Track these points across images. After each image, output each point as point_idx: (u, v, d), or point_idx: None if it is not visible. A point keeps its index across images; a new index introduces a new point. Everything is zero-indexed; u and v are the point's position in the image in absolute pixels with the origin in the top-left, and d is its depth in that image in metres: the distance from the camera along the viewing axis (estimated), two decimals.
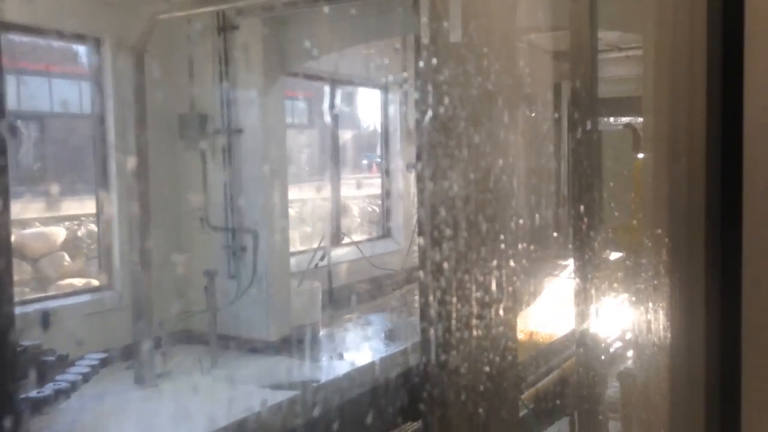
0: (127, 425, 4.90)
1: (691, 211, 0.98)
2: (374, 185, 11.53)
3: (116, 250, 7.00)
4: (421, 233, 3.19)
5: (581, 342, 4.44)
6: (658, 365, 1.11)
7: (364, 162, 14.13)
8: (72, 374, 5.58)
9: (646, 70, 1.09)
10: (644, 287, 1.08)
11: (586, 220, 4.21)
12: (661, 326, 1.02)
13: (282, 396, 5.48)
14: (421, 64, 2.87)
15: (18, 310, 6.21)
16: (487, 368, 2.74)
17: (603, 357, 4.98)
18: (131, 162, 6.42)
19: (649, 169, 1.02)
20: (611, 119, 11.32)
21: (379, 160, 11.40)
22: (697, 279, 0.97)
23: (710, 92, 0.96)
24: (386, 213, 11.05)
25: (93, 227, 7.78)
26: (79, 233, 8.63)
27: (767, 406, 0.92)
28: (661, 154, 1.02)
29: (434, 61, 2.82)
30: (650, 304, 1.06)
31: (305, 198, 10.53)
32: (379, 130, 11.26)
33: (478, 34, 2.88)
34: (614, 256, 6.05)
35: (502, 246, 3.07)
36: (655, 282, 0.99)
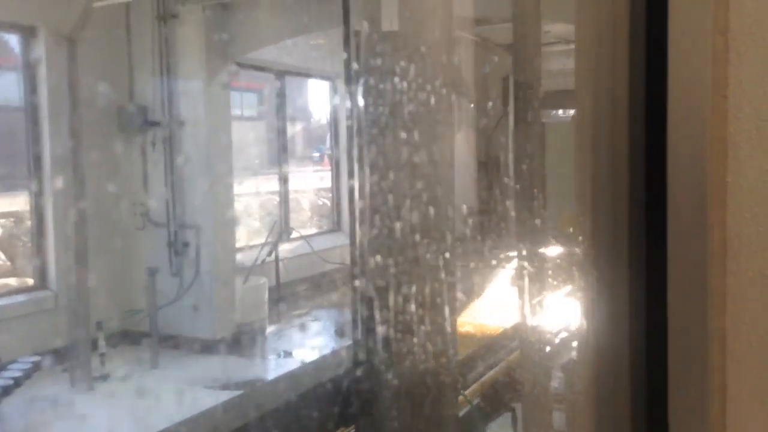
0: (60, 430, 4.70)
1: (615, 203, 0.92)
2: (325, 178, 11.40)
3: (51, 248, 6.73)
4: (357, 228, 3.08)
5: (525, 334, 4.42)
6: (587, 358, 1.07)
7: (315, 154, 13.97)
8: (3, 378, 5.35)
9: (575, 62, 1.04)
10: (579, 280, 1.02)
11: (529, 212, 4.18)
12: (590, 321, 0.98)
13: (226, 397, 5.34)
14: (354, 52, 2.78)
15: None
16: (424, 366, 2.66)
17: (547, 348, 4.98)
18: (67, 157, 6.17)
19: (574, 161, 0.97)
20: (560, 112, 11.41)
21: (330, 152, 11.28)
22: (620, 273, 0.92)
23: (633, 80, 0.91)
24: (337, 206, 10.94)
25: (29, 224, 7.47)
26: (15, 230, 8.30)
27: (692, 397, 0.88)
28: (584, 148, 0.96)
29: (368, 50, 2.72)
30: (582, 298, 1.02)
31: (253, 192, 10.34)
32: (328, 121, 11.14)
33: (415, 23, 2.79)
34: (557, 249, 6.07)
35: (443, 239, 2.99)
36: (583, 275, 0.94)
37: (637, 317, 0.89)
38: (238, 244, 7.87)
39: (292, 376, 2.34)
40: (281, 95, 9.74)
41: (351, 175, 10.26)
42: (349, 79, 2.89)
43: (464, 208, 8.71)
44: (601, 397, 1.00)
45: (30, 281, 7.04)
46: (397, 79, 2.68)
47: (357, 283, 2.76)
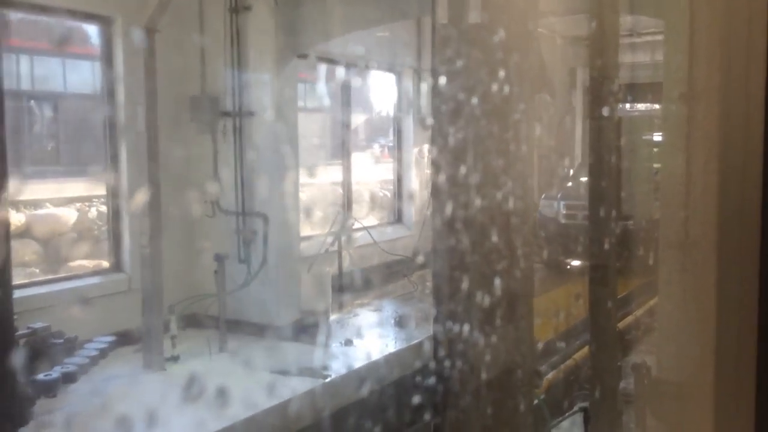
0: (134, 409, 4.88)
1: (744, 206, 0.89)
2: (386, 170, 11.43)
3: (126, 232, 6.96)
4: (435, 220, 3.08)
5: (595, 332, 4.34)
6: (695, 361, 1.05)
7: (377, 146, 14.01)
8: (80, 357, 5.57)
9: (692, 56, 1.00)
10: (682, 284, 1.00)
11: (604, 207, 4.10)
12: (704, 323, 0.95)
13: (291, 382, 5.45)
14: (438, 45, 2.77)
15: (28, 291, 6.19)
16: (503, 360, 2.65)
17: (617, 348, 4.88)
18: (142, 143, 6.36)
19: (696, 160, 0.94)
20: (627, 105, 11.16)
21: (392, 144, 11.30)
22: (751, 281, 0.88)
23: None
24: (398, 198, 10.97)
25: (104, 209, 7.74)
26: (90, 215, 8.61)
27: None
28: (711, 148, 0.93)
29: (451, 42, 2.71)
30: (691, 301, 0.99)
31: (317, 183, 10.45)
32: (391, 114, 11.15)
33: (498, 14, 2.77)
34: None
35: (518, 234, 2.97)
36: (704, 283, 0.91)
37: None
38: (302, 234, 7.99)
39: (376, 368, 2.38)
40: (345, 87, 9.80)
41: (420, 167, 10.21)
42: (431, 71, 2.89)
43: (534, 204, 8.62)
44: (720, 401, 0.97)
45: (105, 264, 7.30)
46: (475, 72, 2.67)
47: (434, 274, 2.76)
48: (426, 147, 10.48)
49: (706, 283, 1.03)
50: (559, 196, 10.31)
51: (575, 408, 4.36)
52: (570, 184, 10.95)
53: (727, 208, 0.97)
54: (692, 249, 1.01)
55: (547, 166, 11.10)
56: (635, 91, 9.02)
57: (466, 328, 2.45)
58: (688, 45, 1.31)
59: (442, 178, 2.98)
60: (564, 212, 10.06)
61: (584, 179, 10.93)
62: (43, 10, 6.69)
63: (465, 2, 2.66)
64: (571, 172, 11.56)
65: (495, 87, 2.56)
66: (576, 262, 8.00)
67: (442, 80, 2.71)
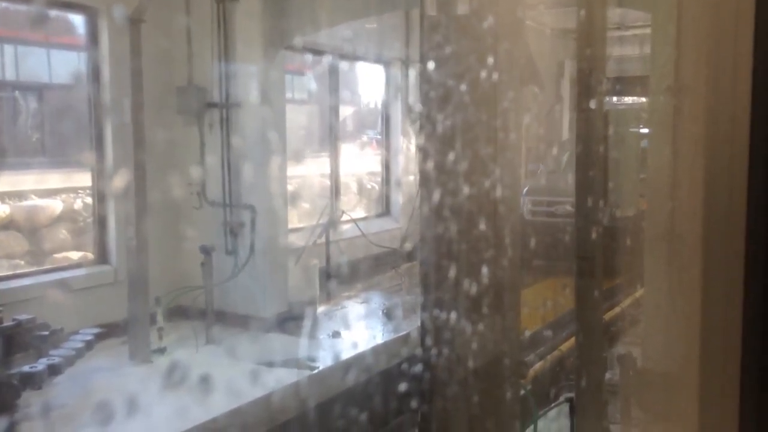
0: (119, 400, 4.86)
1: (730, 199, 0.89)
2: (374, 162, 11.42)
3: (112, 223, 6.92)
4: (423, 208, 3.08)
5: (581, 323, 4.36)
6: (681, 353, 1.05)
7: (365, 139, 13.98)
8: (66, 349, 5.54)
9: (679, 49, 1.00)
10: (670, 275, 1.01)
11: (591, 198, 4.11)
12: (689, 315, 0.96)
13: (277, 373, 5.45)
14: (426, 36, 2.76)
15: (13, 283, 6.15)
16: (489, 352, 2.66)
17: (603, 340, 4.91)
18: (128, 135, 6.32)
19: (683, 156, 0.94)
20: (614, 98, 11.20)
21: (380, 137, 11.28)
22: (736, 274, 0.89)
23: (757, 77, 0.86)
24: (386, 191, 10.96)
25: (89, 200, 7.69)
26: (76, 206, 8.54)
27: None
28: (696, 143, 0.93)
29: (440, 33, 2.70)
30: (675, 293, 1.00)
31: (304, 174, 10.43)
32: (379, 106, 11.13)
33: (487, 5, 2.76)
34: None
35: (506, 223, 2.97)
36: (690, 275, 0.91)
37: (750, 313, 0.86)
38: (289, 225, 7.97)
39: (363, 359, 2.38)
40: (333, 79, 9.77)
41: (408, 159, 10.19)
42: (419, 62, 2.88)
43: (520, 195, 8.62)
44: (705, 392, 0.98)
45: (90, 255, 7.25)
46: (466, 62, 2.66)
47: (421, 264, 2.76)
48: (413, 140, 10.48)
49: (692, 275, 1.04)
50: (524, 191, 10.07)
51: (561, 398, 4.38)
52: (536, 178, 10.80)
53: (713, 201, 0.98)
54: (678, 241, 1.01)
55: (535, 156, 11.13)
56: (623, 84, 9.05)
57: (453, 316, 2.45)
58: (676, 38, 1.32)
59: (429, 165, 2.98)
60: (530, 207, 9.83)
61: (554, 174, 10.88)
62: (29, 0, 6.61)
63: None
64: (541, 166, 11.26)
65: (483, 77, 2.56)
66: (540, 262, 7.94)
67: (431, 66, 2.71)
